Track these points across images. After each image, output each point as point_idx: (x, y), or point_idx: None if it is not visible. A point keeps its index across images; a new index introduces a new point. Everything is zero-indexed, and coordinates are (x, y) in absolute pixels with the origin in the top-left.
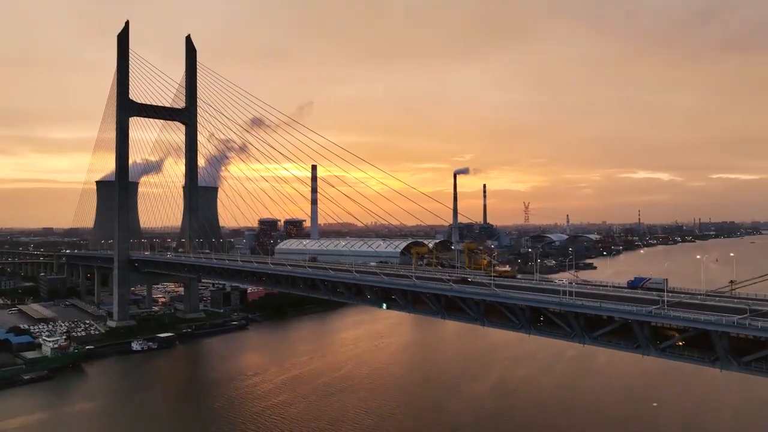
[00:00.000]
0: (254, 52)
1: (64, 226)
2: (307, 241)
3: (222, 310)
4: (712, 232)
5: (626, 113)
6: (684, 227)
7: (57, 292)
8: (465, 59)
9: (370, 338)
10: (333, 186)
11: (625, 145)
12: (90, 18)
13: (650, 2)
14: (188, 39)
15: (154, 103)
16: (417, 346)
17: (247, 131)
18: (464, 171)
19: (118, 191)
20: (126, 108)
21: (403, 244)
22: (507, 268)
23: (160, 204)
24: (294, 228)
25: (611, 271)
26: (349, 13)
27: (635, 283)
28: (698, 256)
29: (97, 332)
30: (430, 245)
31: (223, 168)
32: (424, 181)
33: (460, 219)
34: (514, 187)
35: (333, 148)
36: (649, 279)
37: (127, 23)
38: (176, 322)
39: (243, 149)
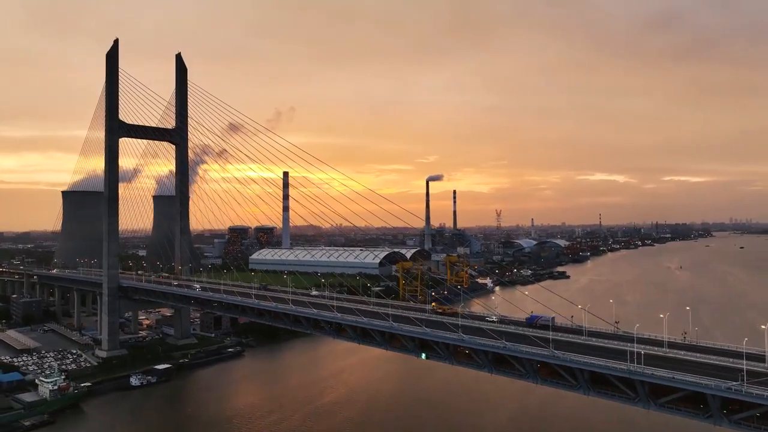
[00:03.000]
0: (219, 51)
1: (16, 230)
2: (282, 250)
3: (213, 335)
4: (668, 235)
5: (585, 117)
6: (642, 230)
7: (32, 315)
8: (430, 63)
9: (375, 363)
10: (297, 188)
11: (584, 148)
12: (33, 9)
13: (609, 11)
14: (179, 57)
15: (139, 122)
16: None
17: (218, 136)
18: (437, 178)
19: (107, 216)
20: (115, 130)
21: (382, 254)
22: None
23: (128, 210)
24: (265, 235)
25: (585, 280)
26: (315, 15)
27: (531, 320)
28: (669, 266)
29: (88, 364)
30: (408, 255)
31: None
32: (389, 183)
33: (428, 222)
34: (477, 189)
35: (298, 149)
36: (541, 317)
37: (116, 42)
38: (169, 349)
39: (210, 153)
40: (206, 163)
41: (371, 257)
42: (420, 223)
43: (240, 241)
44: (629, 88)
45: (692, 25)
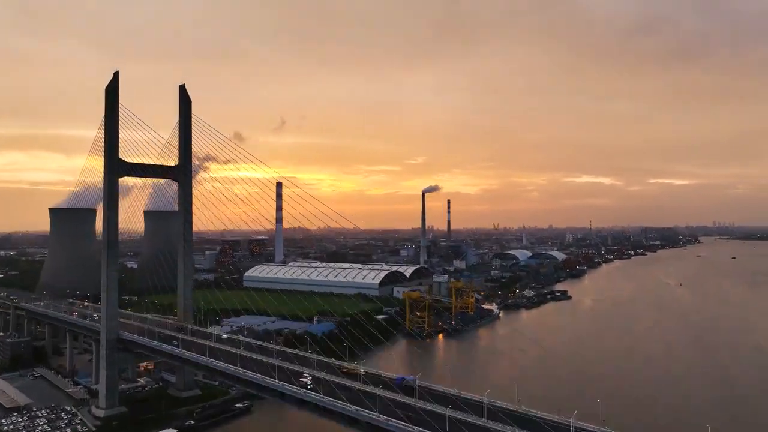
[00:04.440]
0: (209, 52)
1: None
2: (278, 267)
3: (217, 382)
4: (657, 242)
5: (572, 119)
6: (632, 237)
7: (21, 357)
8: (418, 64)
9: None
10: (286, 187)
11: (570, 150)
12: (19, 7)
13: (597, 15)
14: (182, 89)
15: (137, 156)
16: None
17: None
18: (433, 189)
19: (107, 264)
20: (115, 169)
21: (382, 274)
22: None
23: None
24: (257, 247)
25: (588, 301)
26: (305, 16)
27: (398, 382)
28: (668, 282)
29: (85, 429)
30: (408, 273)
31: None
32: (377, 184)
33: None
34: (465, 190)
35: (285, 149)
36: (404, 379)
37: (116, 74)
38: (172, 404)
39: (205, 159)
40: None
41: (371, 276)
42: (409, 225)
43: (232, 253)
44: (615, 91)
45: (677, 30)
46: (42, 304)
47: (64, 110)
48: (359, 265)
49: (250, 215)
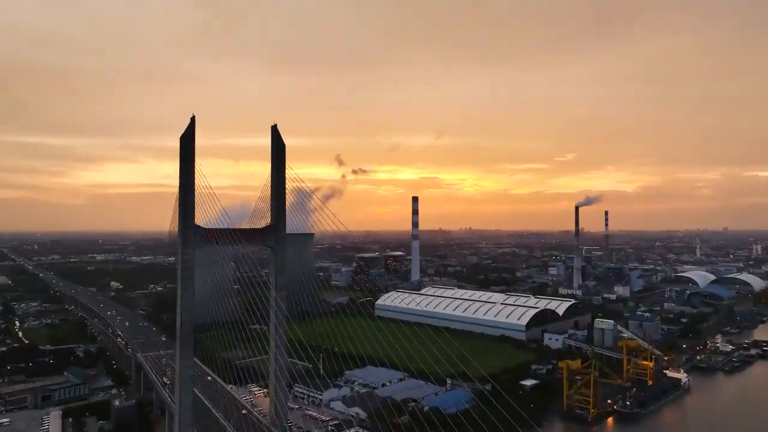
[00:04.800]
0: (345, 55)
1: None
2: (412, 297)
3: None
4: None
5: (745, 106)
6: None
7: (129, 427)
8: (566, 55)
9: None
10: (427, 188)
11: (751, 139)
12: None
13: None
14: (274, 130)
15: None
16: None
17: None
18: (589, 202)
19: (179, 362)
20: (190, 239)
21: (530, 313)
22: None
23: None
24: (394, 263)
25: None
26: (444, 13)
27: None
28: None
29: None
30: (560, 310)
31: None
32: (522, 183)
33: (559, 229)
34: (620, 188)
35: (426, 151)
36: None
37: (193, 119)
38: None
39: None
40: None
41: (516, 315)
42: (556, 226)
43: (368, 271)
44: None
45: None
46: (164, 356)
47: (233, 123)
48: (502, 297)
49: (388, 219)
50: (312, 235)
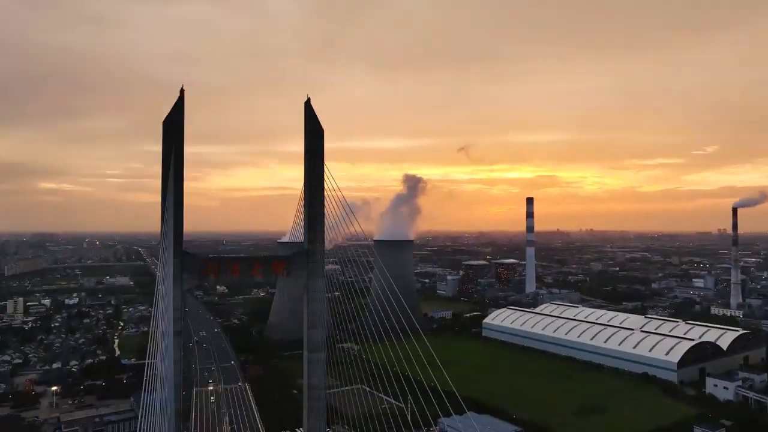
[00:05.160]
0: (457, 54)
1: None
2: (526, 316)
3: None
4: None
5: None
6: None
7: None
8: (701, 33)
9: None
10: (543, 187)
11: None
12: (308, 37)
13: None
14: (307, 105)
15: None
16: None
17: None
18: (754, 202)
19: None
20: (176, 274)
21: (682, 346)
22: None
23: None
24: (506, 271)
25: None
26: (557, 3)
27: None
28: None
29: None
30: (724, 344)
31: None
32: (651, 179)
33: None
34: None
35: (543, 146)
36: None
37: (181, 93)
38: None
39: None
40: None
41: (663, 347)
42: (693, 227)
43: (476, 280)
44: None
45: None
46: None
47: (349, 126)
48: (641, 320)
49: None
50: (411, 242)
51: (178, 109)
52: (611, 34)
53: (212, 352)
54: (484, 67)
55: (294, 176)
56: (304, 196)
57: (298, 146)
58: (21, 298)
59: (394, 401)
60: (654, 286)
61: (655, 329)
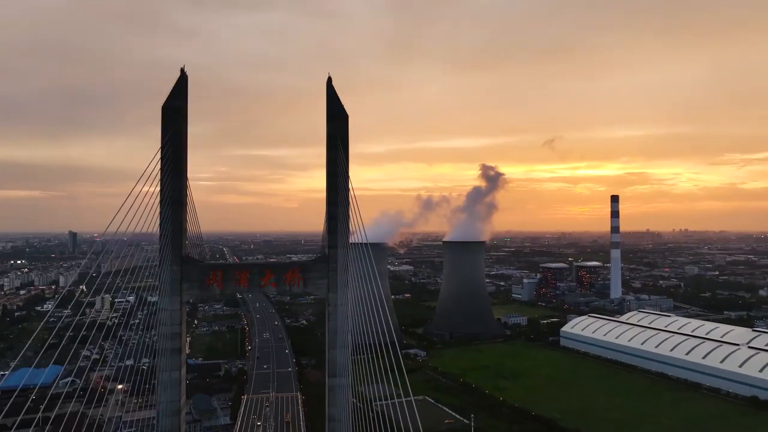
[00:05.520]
0: (534, 47)
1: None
2: (611, 325)
3: None
4: None
5: None
6: None
7: None
8: None
9: None
10: (632, 185)
11: None
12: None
13: None
14: (329, 85)
15: None
16: None
17: None
18: None
19: None
20: (176, 283)
21: None
22: None
23: None
24: (588, 274)
25: None
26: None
27: None
28: None
29: None
30: None
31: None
32: (756, 175)
33: None
34: None
35: (632, 141)
36: None
37: (183, 74)
38: None
39: None
40: None
41: None
42: None
43: (555, 284)
44: None
45: None
46: None
47: (423, 126)
48: (747, 333)
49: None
50: (482, 243)
51: (178, 93)
52: (708, 16)
53: (272, 357)
54: (565, 61)
55: (374, 177)
56: (326, 192)
57: (378, 146)
58: (108, 295)
59: (458, 416)
60: (762, 293)
61: (766, 345)
